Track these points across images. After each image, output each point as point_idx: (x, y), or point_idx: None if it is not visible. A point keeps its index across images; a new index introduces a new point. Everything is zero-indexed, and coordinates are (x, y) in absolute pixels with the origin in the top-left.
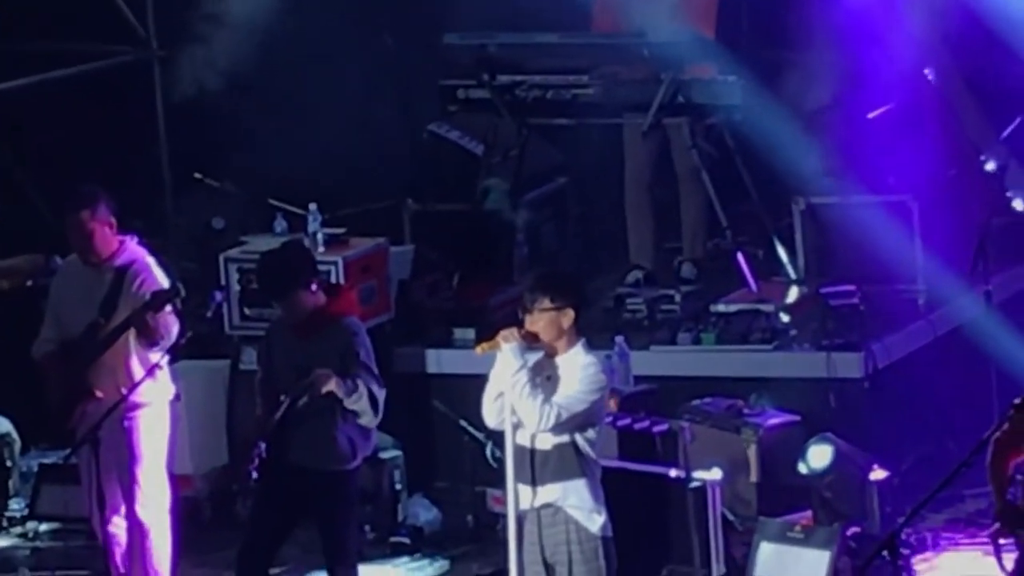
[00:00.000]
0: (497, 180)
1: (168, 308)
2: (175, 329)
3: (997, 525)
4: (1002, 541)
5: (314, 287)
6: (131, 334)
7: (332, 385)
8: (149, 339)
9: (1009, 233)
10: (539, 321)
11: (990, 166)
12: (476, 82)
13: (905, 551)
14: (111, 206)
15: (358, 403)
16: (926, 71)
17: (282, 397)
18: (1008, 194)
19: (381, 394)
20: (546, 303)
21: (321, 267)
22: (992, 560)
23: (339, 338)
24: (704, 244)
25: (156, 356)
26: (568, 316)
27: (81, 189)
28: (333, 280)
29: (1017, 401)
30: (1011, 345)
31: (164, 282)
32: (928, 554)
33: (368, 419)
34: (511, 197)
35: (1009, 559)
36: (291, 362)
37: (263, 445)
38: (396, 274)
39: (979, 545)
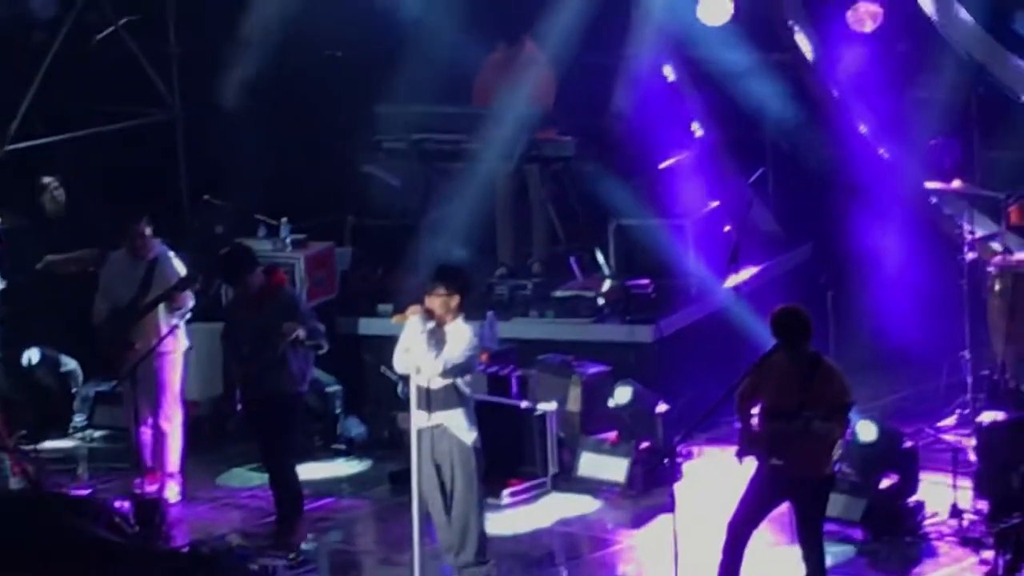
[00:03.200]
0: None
1: (190, 288)
2: (191, 302)
3: (739, 445)
4: (744, 457)
5: (257, 271)
6: (160, 305)
7: (300, 331)
8: (174, 309)
9: (752, 246)
10: (435, 301)
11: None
12: (397, 137)
13: (679, 459)
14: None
15: (317, 340)
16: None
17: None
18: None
19: (323, 327)
20: (441, 290)
21: (288, 262)
22: (736, 464)
23: (282, 302)
24: (548, 250)
25: (176, 320)
26: (455, 299)
27: (138, 205)
28: (295, 268)
29: (755, 362)
30: (753, 323)
31: (182, 271)
32: (695, 461)
33: (325, 347)
34: (419, 217)
35: (748, 467)
36: (253, 325)
37: (244, 387)
38: (340, 267)
39: (729, 457)
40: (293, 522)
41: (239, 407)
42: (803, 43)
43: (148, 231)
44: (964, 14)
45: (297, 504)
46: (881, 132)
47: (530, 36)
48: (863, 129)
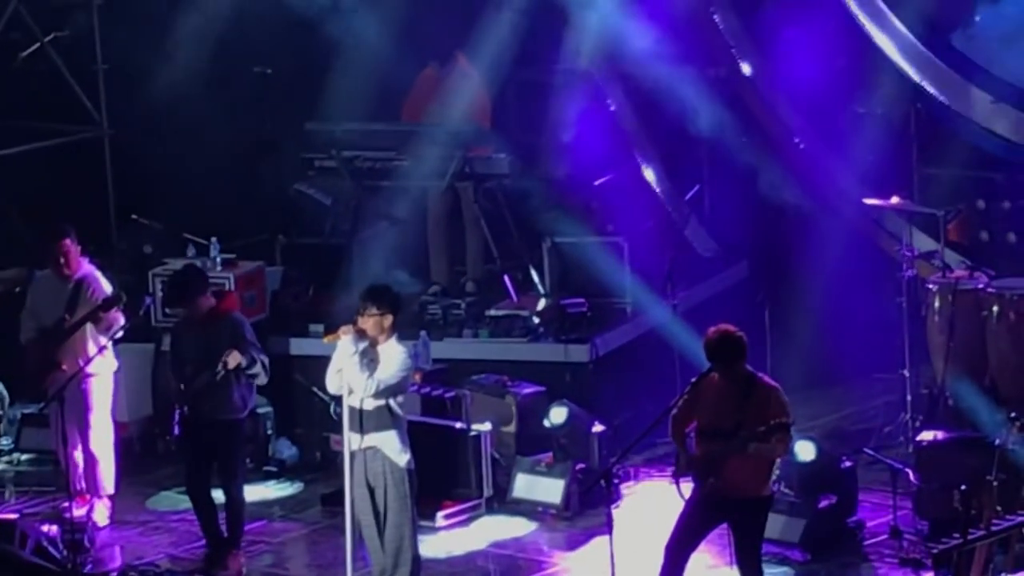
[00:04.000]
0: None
1: (116, 308)
2: (122, 320)
3: (676, 467)
4: (681, 479)
5: (207, 293)
6: (88, 325)
7: (237, 359)
8: (102, 329)
9: (689, 265)
10: (368, 322)
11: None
12: (327, 155)
13: (616, 481)
14: (77, 236)
15: (254, 369)
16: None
17: (187, 371)
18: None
19: (266, 359)
20: (373, 310)
21: (218, 281)
22: (672, 486)
23: (229, 327)
24: (482, 268)
25: (104, 340)
26: (388, 319)
27: (62, 224)
28: (225, 287)
29: (693, 380)
30: (689, 341)
31: (109, 290)
32: (631, 483)
33: (262, 378)
34: (350, 236)
35: (685, 489)
36: (197, 346)
37: (185, 408)
38: (270, 286)
39: (666, 478)
40: (229, 548)
41: (176, 429)
42: (740, 58)
43: (75, 249)
44: (902, 29)
45: (235, 531)
46: (820, 148)
47: (462, 53)
48: (801, 144)
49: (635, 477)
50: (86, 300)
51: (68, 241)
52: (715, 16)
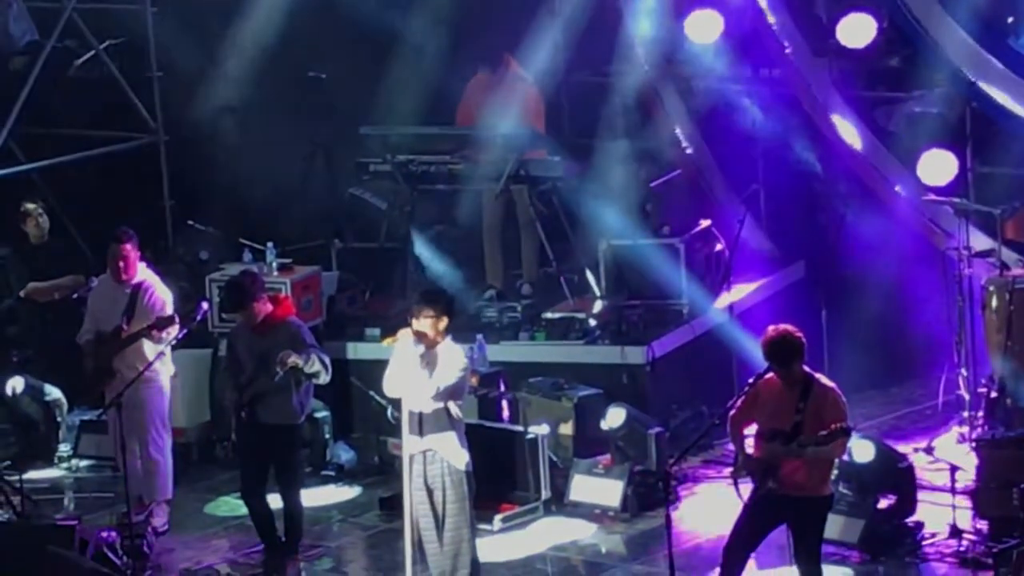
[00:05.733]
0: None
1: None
2: (175, 331)
3: (734, 468)
4: (739, 479)
5: (263, 299)
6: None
7: (294, 358)
8: (157, 340)
9: (745, 265)
10: (423, 324)
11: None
12: (382, 160)
13: (674, 483)
14: (137, 242)
15: (314, 367)
16: (684, 145)
17: (243, 379)
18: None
19: (327, 358)
20: (427, 312)
21: (274, 286)
22: (732, 490)
23: (287, 333)
24: (537, 271)
25: (161, 347)
26: (443, 321)
27: (125, 229)
28: (282, 292)
29: (750, 381)
30: (746, 342)
31: (166, 295)
32: (689, 484)
33: (324, 377)
34: (406, 240)
35: (744, 490)
36: (254, 353)
37: (243, 414)
38: (327, 291)
39: (724, 479)
40: (288, 553)
41: (233, 435)
42: (794, 58)
43: (134, 255)
44: (958, 28)
45: (293, 536)
46: (874, 147)
47: (513, 56)
48: (856, 144)
49: (693, 478)
50: (143, 307)
51: (129, 246)
52: (768, 16)
